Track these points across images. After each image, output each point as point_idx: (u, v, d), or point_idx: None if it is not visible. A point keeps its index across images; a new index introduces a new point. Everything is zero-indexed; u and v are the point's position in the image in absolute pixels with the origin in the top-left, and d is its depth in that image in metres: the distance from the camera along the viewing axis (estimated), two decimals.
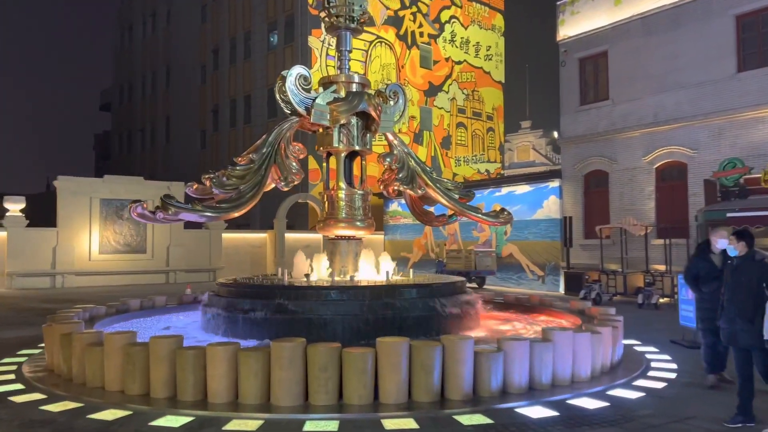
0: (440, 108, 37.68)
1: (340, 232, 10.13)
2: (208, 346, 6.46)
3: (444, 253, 24.44)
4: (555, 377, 7.00)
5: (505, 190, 23.34)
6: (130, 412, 6.07)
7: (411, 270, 10.92)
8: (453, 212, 11.50)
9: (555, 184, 21.72)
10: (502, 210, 11.21)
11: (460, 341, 6.53)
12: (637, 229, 17.58)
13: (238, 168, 9.10)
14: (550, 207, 21.69)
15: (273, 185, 9.61)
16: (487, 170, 40.34)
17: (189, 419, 5.86)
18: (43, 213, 26.76)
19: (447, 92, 38.24)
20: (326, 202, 10.33)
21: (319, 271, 10.07)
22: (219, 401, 6.30)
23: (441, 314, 8.78)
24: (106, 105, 53.69)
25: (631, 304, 16.23)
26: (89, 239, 24.00)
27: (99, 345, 6.97)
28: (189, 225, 26.64)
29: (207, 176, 8.95)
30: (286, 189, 9.54)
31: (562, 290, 20.73)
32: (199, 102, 39.68)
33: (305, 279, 9.54)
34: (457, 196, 10.96)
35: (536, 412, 6.09)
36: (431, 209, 12.11)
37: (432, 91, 37.26)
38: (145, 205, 8.57)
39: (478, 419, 5.85)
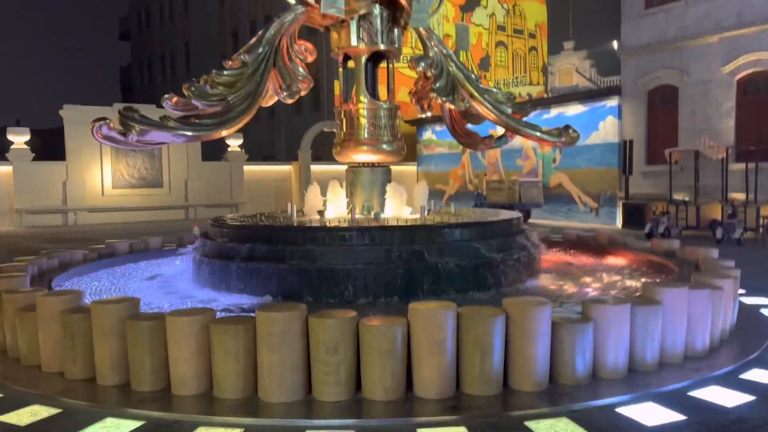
0: (478, 25, 34.39)
1: (362, 158, 8.00)
2: (168, 316, 4.53)
3: (483, 185, 22.19)
4: (663, 353, 4.93)
5: (554, 111, 20.69)
6: (58, 411, 4.24)
7: (452, 204, 8.75)
8: (504, 132, 9.25)
9: (613, 102, 19.01)
10: (566, 128, 8.85)
11: (532, 308, 4.45)
12: (714, 151, 15.01)
13: (226, 73, 6.94)
14: (607, 129, 19.07)
15: (272, 97, 7.46)
16: (529, 94, 37.17)
17: (136, 425, 4.00)
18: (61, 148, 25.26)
19: (485, 7, 34.82)
20: (344, 120, 8.16)
21: (335, 207, 8.01)
22: (185, 393, 4.43)
23: (493, 263, 6.70)
24: (125, 33, 51.41)
25: (705, 239, 13.92)
26: (101, 173, 22.43)
27: (32, 310, 5.12)
28: (207, 156, 24.86)
29: (187, 85, 6.83)
30: (290, 101, 7.38)
31: (618, 224, 18.43)
32: (218, 26, 37.13)
33: (317, 217, 7.52)
34: (509, 111, 8.65)
35: (649, 414, 4.05)
36: (475, 131, 9.84)
37: (469, 5, 33.90)
38: (111, 125, 6.53)
39: (564, 429, 3.84)
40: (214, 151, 25.67)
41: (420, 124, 27.27)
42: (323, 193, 8.40)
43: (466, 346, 4.36)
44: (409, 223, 6.83)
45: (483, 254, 6.67)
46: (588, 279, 7.28)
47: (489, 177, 22.76)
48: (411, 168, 27.29)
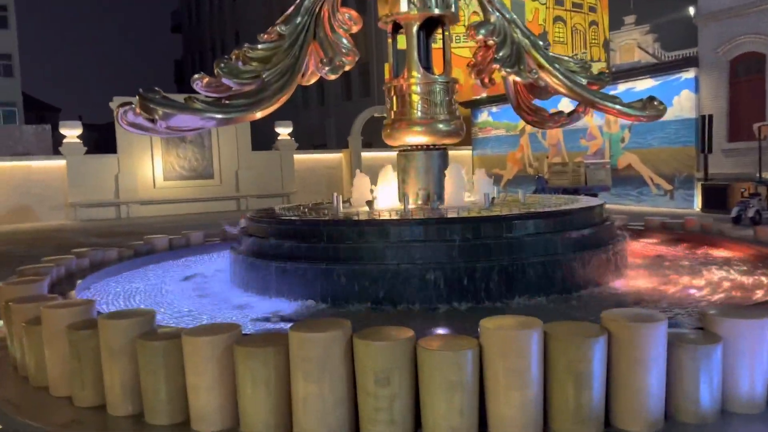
0: (534, 0, 32.63)
1: (415, 140, 7.05)
2: (185, 335, 3.72)
3: (545, 168, 20.84)
4: None
5: (622, 87, 19.12)
6: None
7: (520, 191, 7.69)
8: (576, 106, 8.15)
9: (689, 74, 17.33)
10: (651, 99, 7.64)
11: (643, 325, 3.42)
12: None
13: (260, 47, 6.11)
14: (683, 104, 17.43)
15: (314, 74, 6.58)
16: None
17: None
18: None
19: None
20: (394, 98, 7.22)
21: (386, 197, 7.10)
22: (207, 430, 3.62)
23: (574, 260, 5.65)
24: (177, 26, 51.79)
25: None
26: (152, 165, 22.25)
27: (39, 323, 4.44)
28: (258, 146, 24.42)
29: (217, 61, 6.04)
30: (332, 77, 6.48)
31: (697, 207, 16.85)
32: (267, 13, 36.65)
33: (366, 209, 6.64)
34: (584, 81, 7.52)
35: None
36: (543, 107, 8.74)
37: None
38: (137, 110, 5.81)
39: None
40: (265, 140, 25.21)
41: (475, 105, 26.03)
42: (373, 181, 7.50)
43: (557, 376, 3.38)
44: (472, 215, 5.84)
45: (562, 250, 5.64)
46: (687, 278, 6.12)
47: (551, 159, 21.39)
48: (466, 152, 26.12)
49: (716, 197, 15.76)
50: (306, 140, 32.69)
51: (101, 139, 22.13)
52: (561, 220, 5.91)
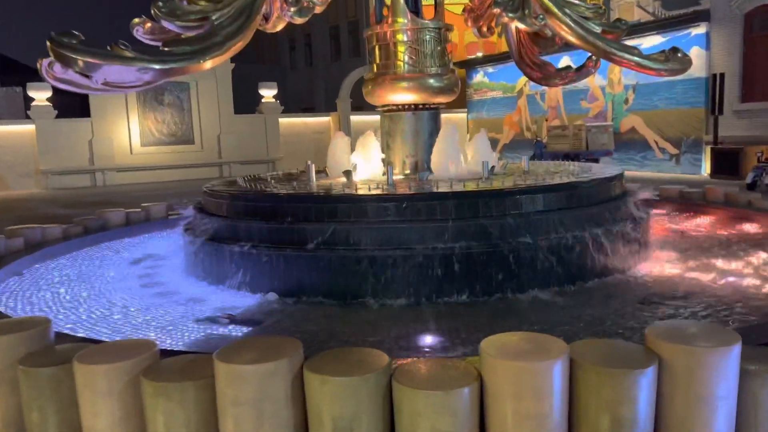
0: None
1: (402, 98, 5.99)
2: (77, 361, 2.72)
3: (544, 131, 19.77)
4: None
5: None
6: None
7: (524, 159, 6.63)
8: (587, 60, 7.14)
9: (700, 30, 16.15)
10: (675, 50, 6.60)
11: (708, 351, 2.44)
12: None
13: None
14: (692, 62, 16.26)
15: (280, 19, 5.47)
16: None
17: None
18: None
19: None
20: (376, 48, 6.13)
21: (368, 165, 6.06)
22: None
23: (591, 242, 4.67)
24: None
25: None
26: (128, 130, 21.01)
27: None
28: (240, 109, 23.15)
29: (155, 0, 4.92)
30: (299, 20, 5.37)
31: (705, 172, 15.88)
32: None
33: (343, 180, 5.62)
34: (599, 29, 6.44)
35: None
36: (549, 62, 7.69)
37: None
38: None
39: None
40: (248, 103, 23.95)
41: (470, 65, 24.74)
42: (354, 147, 6.46)
43: (588, 419, 2.42)
44: (468, 188, 4.82)
45: (579, 230, 4.64)
46: (723, 261, 5.16)
47: (550, 122, 20.28)
48: (461, 116, 24.94)
49: (727, 162, 14.76)
50: (293, 104, 31.39)
51: (75, 104, 20.84)
52: (576, 194, 4.90)
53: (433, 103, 6.14)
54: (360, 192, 4.78)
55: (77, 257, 6.49)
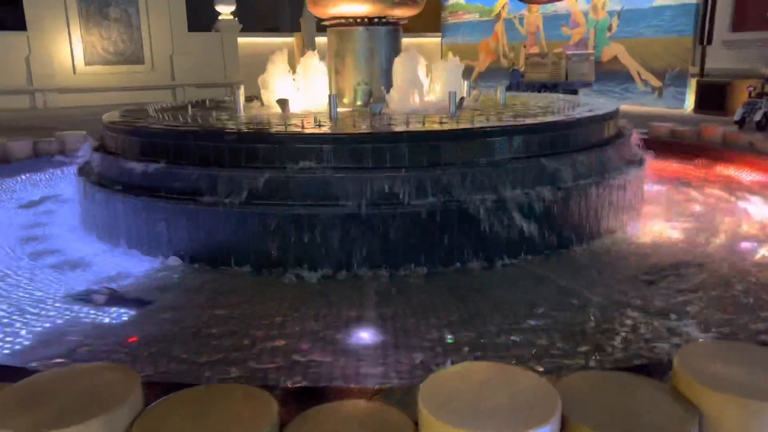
0: None
1: (352, 8, 4.82)
2: None
3: (521, 59, 18.54)
4: None
5: None
6: None
7: (499, 88, 5.53)
8: None
9: None
10: None
11: None
12: None
13: None
14: None
15: None
16: None
17: None
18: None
19: None
20: None
21: (310, 93, 4.95)
22: None
23: (578, 196, 3.73)
24: None
25: None
26: (70, 47, 19.09)
27: None
28: (195, 26, 21.26)
29: None
30: None
31: (689, 106, 15.00)
32: None
33: (277, 112, 4.53)
34: None
35: None
36: None
37: None
38: None
39: None
40: (203, 20, 22.03)
41: None
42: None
43: None
44: (429, 127, 3.78)
45: (564, 183, 3.69)
46: (729, 219, 4.29)
47: (528, 50, 19.00)
48: (434, 40, 23.41)
49: (713, 96, 13.86)
50: (257, 23, 29.27)
51: (7, 16, 18.75)
52: (561, 136, 3.91)
53: (393, 17, 5.00)
54: (289, 129, 3.71)
55: None
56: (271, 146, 3.54)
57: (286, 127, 3.76)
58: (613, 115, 4.49)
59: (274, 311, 2.94)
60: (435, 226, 3.40)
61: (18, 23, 18.70)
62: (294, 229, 3.36)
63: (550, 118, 4.02)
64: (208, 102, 5.93)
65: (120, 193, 3.79)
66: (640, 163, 4.41)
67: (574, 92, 16.58)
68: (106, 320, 2.94)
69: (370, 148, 3.46)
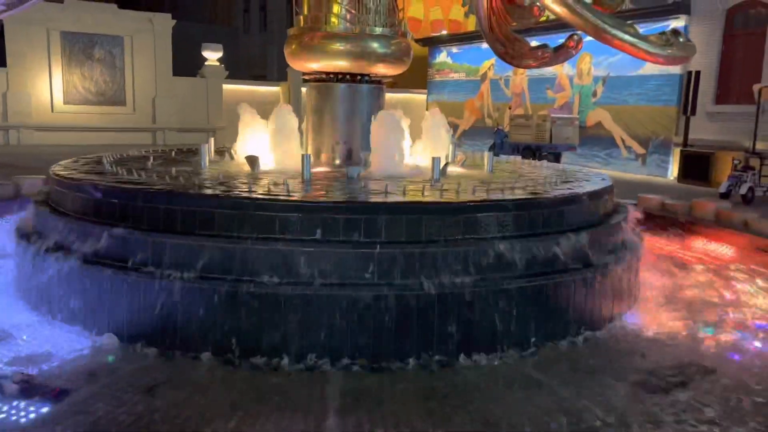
0: None
1: (334, 64, 4.52)
2: None
3: (506, 120, 18.55)
4: None
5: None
6: None
7: (487, 155, 5.18)
8: (568, 39, 5.87)
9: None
10: (675, 33, 5.29)
11: None
12: None
13: None
14: (696, 50, 15.22)
15: None
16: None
17: None
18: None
19: None
20: None
21: (285, 151, 4.56)
22: None
23: (574, 280, 3.34)
24: None
25: None
26: (50, 84, 18.77)
27: None
28: (180, 71, 21.10)
29: None
30: None
31: (672, 175, 14.95)
32: None
33: (246, 170, 4.14)
34: None
35: None
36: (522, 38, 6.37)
37: None
38: None
39: None
40: (189, 65, 21.90)
41: (433, 44, 23.30)
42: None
43: None
44: (408, 197, 3.40)
45: (559, 265, 3.31)
46: (732, 308, 3.92)
47: (513, 111, 19.07)
48: (420, 97, 23.51)
49: (697, 166, 13.81)
50: (245, 70, 29.35)
51: None
52: (557, 213, 3.54)
53: (376, 75, 4.69)
54: (253, 192, 3.30)
55: None
56: (231, 212, 3.12)
57: (250, 190, 3.34)
58: (607, 191, 4.16)
59: (222, 411, 2.46)
60: (412, 312, 2.97)
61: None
62: (249, 310, 2.91)
63: (539, 193, 3.67)
64: (174, 152, 5.52)
65: (52, 254, 3.32)
66: (637, 243, 4.06)
67: (558, 155, 16.55)
68: (12, 417, 2.43)
69: (344, 217, 3.06)
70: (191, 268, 3.02)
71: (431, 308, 2.98)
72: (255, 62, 30.38)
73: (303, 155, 3.86)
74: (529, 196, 3.56)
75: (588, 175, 4.92)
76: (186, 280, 2.98)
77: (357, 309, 2.92)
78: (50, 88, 18.74)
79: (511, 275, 3.15)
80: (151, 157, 4.86)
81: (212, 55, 21.36)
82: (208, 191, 3.43)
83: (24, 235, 3.73)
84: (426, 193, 3.48)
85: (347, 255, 3.01)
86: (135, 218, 3.26)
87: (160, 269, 3.02)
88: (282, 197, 3.22)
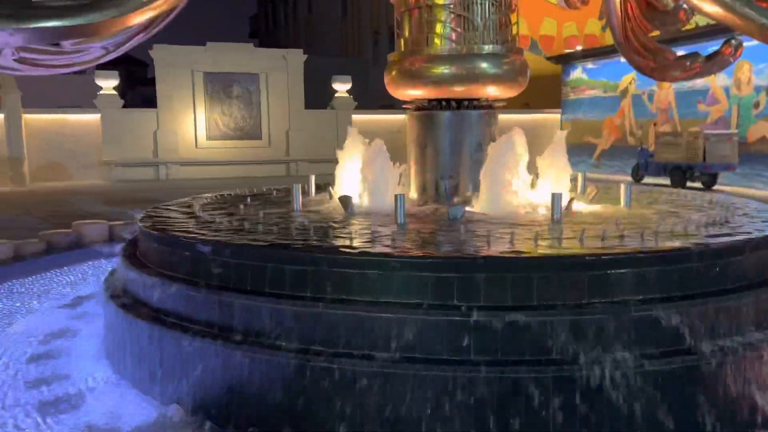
0: None
1: (437, 90, 4.00)
2: None
3: (651, 138, 16.95)
4: None
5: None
6: None
7: (625, 186, 4.34)
8: (725, 46, 4.94)
9: None
10: None
11: None
12: None
13: None
14: None
15: None
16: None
17: None
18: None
19: None
20: (405, 17, 4.18)
21: (379, 187, 4.10)
22: None
23: (745, 360, 2.49)
24: None
25: None
26: (194, 122, 20.10)
27: None
28: (312, 104, 21.75)
29: None
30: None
31: None
32: None
33: (334, 216, 3.72)
34: None
35: None
36: (665, 47, 5.53)
37: None
38: None
39: None
40: (321, 97, 22.52)
41: (567, 61, 22.06)
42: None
43: None
44: (517, 247, 2.76)
45: (721, 337, 2.49)
46: None
47: (659, 128, 17.37)
48: (553, 116, 22.32)
49: None
50: (374, 100, 29.76)
51: (138, 95, 20.14)
52: (716, 267, 2.71)
53: (487, 99, 4.11)
54: (334, 242, 2.84)
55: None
56: (301, 268, 2.68)
57: (328, 239, 2.89)
58: None
59: None
60: (518, 401, 2.32)
61: (147, 101, 20.01)
62: (319, 384, 2.43)
63: (696, 238, 2.85)
64: (275, 192, 5.27)
65: (124, 311, 3.08)
66: None
67: (714, 176, 14.74)
68: None
69: (428, 278, 2.50)
70: (258, 334, 2.60)
71: (550, 395, 2.31)
72: (384, 92, 30.77)
73: (396, 195, 3.36)
74: (677, 246, 2.76)
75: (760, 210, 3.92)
76: (257, 344, 2.57)
77: (443, 391, 2.33)
78: (194, 126, 20.09)
79: (654, 350, 2.40)
80: (248, 198, 4.61)
81: (342, 87, 21.82)
82: (289, 242, 3.02)
83: (108, 288, 3.56)
84: (539, 242, 2.81)
85: (434, 323, 2.44)
86: (206, 275, 2.91)
87: (229, 334, 2.64)
88: (384, 253, 2.68)
